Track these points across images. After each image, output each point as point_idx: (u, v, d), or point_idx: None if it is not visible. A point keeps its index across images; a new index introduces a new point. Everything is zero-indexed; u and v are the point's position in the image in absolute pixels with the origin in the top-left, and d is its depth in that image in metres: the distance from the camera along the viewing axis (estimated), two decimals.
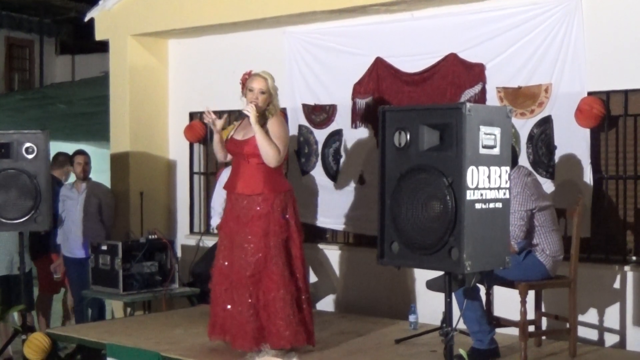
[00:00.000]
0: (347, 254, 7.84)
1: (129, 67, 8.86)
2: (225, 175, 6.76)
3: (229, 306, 5.91)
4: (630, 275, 6.29)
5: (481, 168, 4.30)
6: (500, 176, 4.39)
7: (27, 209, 6.91)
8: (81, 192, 8.34)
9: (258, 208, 5.86)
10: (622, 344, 6.30)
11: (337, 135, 7.78)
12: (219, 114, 6.35)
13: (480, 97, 6.87)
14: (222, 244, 6.06)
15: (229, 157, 6.19)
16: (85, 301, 8.11)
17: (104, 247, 7.79)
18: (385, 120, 4.61)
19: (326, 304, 7.88)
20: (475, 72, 6.92)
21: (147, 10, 8.68)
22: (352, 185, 7.68)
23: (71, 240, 8.32)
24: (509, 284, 5.70)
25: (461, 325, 5.26)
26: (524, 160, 6.56)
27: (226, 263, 5.96)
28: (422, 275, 6.13)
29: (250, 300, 5.80)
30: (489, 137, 4.34)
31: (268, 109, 5.94)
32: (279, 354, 5.59)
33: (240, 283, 5.83)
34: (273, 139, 5.84)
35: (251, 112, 5.79)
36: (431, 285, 6.02)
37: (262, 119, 5.88)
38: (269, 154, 5.81)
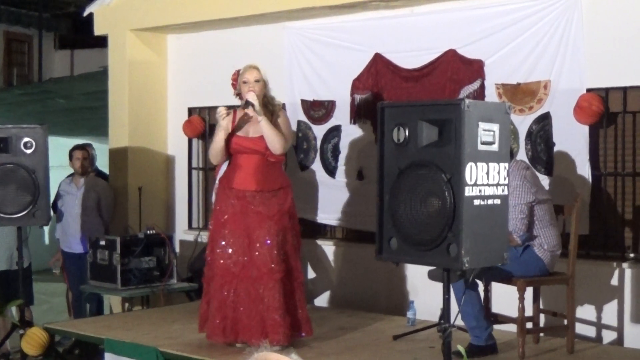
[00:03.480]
0: (345, 249, 7.84)
1: (128, 62, 8.85)
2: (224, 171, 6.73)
3: (241, 307, 5.88)
4: (628, 272, 6.29)
5: (480, 164, 4.30)
6: (499, 172, 4.39)
7: (26, 203, 6.89)
8: (80, 187, 8.34)
9: (283, 203, 5.93)
10: (619, 340, 6.30)
11: (335, 130, 7.77)
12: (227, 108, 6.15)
13: (479, 94, 6.87)
14: (220, 243, 5.96)
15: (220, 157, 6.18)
16: (83, 296, 8.11)
17: (102, 242, 7.80)
18: (384, 116, 4.61)
19: (324, 299, 7.88)
20: (474, 69, 6.91)
21: (146, 5, 8.67)
22: (351, 181, 7.68)
23: (70, 235, 8.33)
24: (507, 279, 5.70)
25: (459, 322, 5.26)
26: (522, 156, 6.56)
27: (229, 261, 5.89)
28: (420, 271, 6.12)
29: (283, 292, 5.81)
30: (487, 133, 4.33)
31: (271, 103, 5.98)
32: (278, 350, 5.61)
33: (270, 278, 5.79)
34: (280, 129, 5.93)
35: (255, 100, 5.81)
36: (434, 276, 6.01)
37: (268, 114, 5.91)
38: (275, 140, 5.84)
